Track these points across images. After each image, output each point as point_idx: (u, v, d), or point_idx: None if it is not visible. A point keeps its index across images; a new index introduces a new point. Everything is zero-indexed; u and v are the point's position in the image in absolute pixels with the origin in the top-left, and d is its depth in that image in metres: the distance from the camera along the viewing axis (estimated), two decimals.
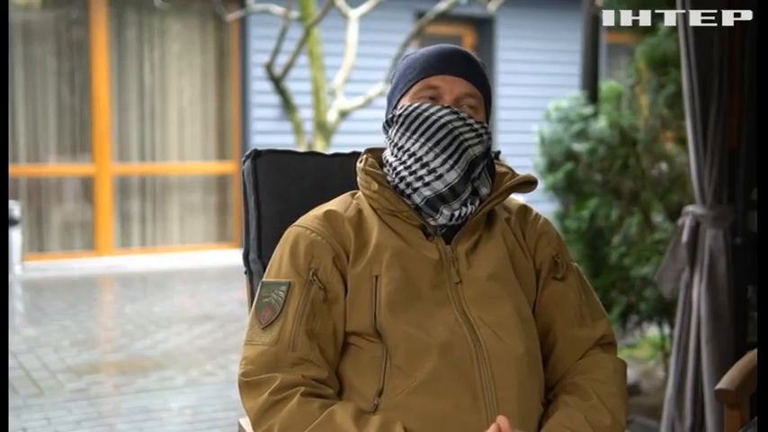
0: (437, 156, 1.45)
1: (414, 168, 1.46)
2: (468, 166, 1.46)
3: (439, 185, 1.44)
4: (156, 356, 4.58)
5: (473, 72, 1.50)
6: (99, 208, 7.75)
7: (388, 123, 1.53)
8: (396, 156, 1.49)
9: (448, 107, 1.45)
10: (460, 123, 1.44)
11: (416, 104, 1.47)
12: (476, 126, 1.46)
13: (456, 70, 1.49)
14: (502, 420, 1.31)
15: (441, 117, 1.44)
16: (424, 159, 1.45)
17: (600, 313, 1.56)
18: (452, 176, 1.44)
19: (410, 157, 1.47)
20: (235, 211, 8.18)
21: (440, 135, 1.44)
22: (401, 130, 1.49)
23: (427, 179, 1.45)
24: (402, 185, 1.47)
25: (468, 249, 1.47)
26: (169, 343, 4.88)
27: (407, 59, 1.56)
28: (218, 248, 8.10)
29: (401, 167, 1.47)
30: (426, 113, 1.45)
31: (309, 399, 1.35)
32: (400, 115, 1.48)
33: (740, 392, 1.84)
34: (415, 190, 1.46)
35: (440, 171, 1.44)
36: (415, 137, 1.46)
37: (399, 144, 1.49)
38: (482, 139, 1.46)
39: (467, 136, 1.45)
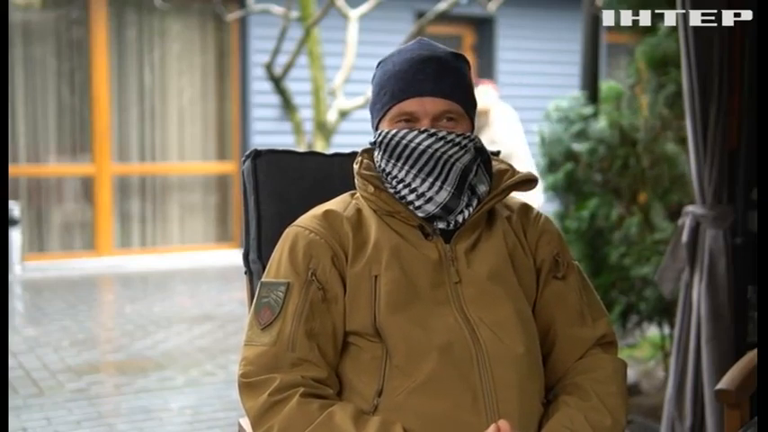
0: (423, 180, 1.45)
1: (403, 194, 1.46)
2: (459, 178, 1.45)
3: (431, 207, 1.45)
4: (156, 356, 4.58)
5: (446, 85, 1.46)
6: (99, 208, 7.75)
7: (372, 145, 1.52)
8: (385, 180, 1.49)
9: (425, 130, 1.43)
10: (441, 144, 1.43)
11: (394, 131, 1.45)
12: (457, 140, 1.44)
13: (428, 89, 1.45)
14: (503, 424, 1.32)
15: (419, 143, 1.43)
16: (412, 185, 1.45)
17: (601, 312, 1.56)
18: (443, 196, 1.44)
19: (399, 182, 1.47)
20: (235, 211, 8.18)
21: (422, 161, 1.44)
22: (385, 156, 1.48)
23: (418, 203, 1.45)
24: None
25: (468, 248, 1.47)
26: (169, 343, 4.88)
27: (381, 71, 1.51)
28: (218, 248, 8.10)
29: (392, 192, 1.47)
30: (405, 141, 1.44)
31: (309, 399, 1.36)
32: (381, 142, 1.47)
33: (740, 392, 1.84)
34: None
35: (429, 194, 1.44)
36: (399, 164, 1.46)
37: (387, 170, 1.48)
38: (467, 148, 1.46)
39: (450, 153, 1.44)
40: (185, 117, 8.12)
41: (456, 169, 1.45)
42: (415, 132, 1.44)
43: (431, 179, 1.44)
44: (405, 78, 1.46)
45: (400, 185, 1.46)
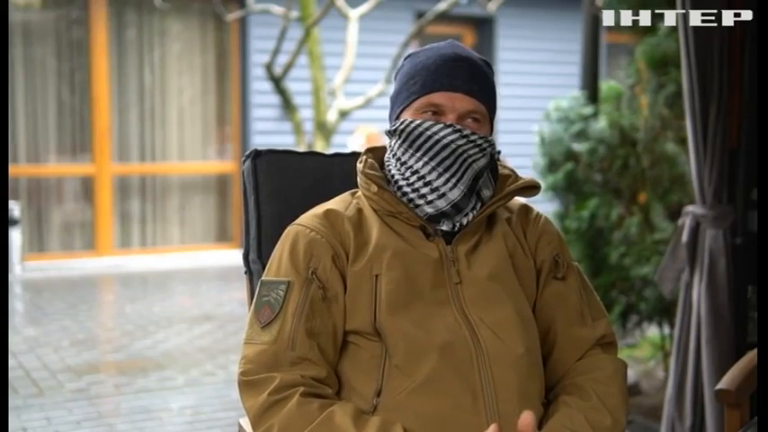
0: (440, 175, 1.44)
1: (416, 186, 1.46)
2: (472, 180, 1.46)
3: (441, 203, 1.44)
4: (156, 356, 4.58)
5: (476, 86, 1.47)
6: (99, 208, 7.75)
7: (390, 133, 1.51)
8: (398, 170, 1.49)
9: (450, 125, 1.43)
10: (464, 141, 1.43)
11: (419, 121, 1.45)
12: (479, 141, 1.44)
13: (459, 87, 1.45)
14: (503, 425, 1.31)
15: (444, 137, 1.43)
16: (427, 178, 1.45)
17: (600, 313, 1.56)
18: (455, 194, 1.44)
19: (413, 174, 1.46)
20: (235, 211, 8.18)
21: (443, 155, 1.43)
22: (404, 145, 1.47)
23: (430, 197, 1.45)
24: (404, 200, 1.47)
25: (469, 250, 1.47)
26: (169, 343, 4.88)
27: (411, 63, 1.52)
28: (218, 248, 8.10)
29: (403, 183, 1.47)
30: (429, 132, 1.44)
31: (309, 399, 1.35)
32: (402, 130, 1.47)
33: (740, 392, 1.84)
34: (418, 206, 1.46)
35: (443, 190, 1.44)
36: (418, 154, 1.45)
37: (402, 159, 1.48)
38: (485, 152, 1.46)
39: (471, 152, 1.44)
40: (185, 117, 8.12)
41: (472, 170, 1.45)
42: (441, 125, 1.44)
43: (447, 175, 1.44)
44: (438, 71, 1.47)
45: (414, 177, 1.46)
